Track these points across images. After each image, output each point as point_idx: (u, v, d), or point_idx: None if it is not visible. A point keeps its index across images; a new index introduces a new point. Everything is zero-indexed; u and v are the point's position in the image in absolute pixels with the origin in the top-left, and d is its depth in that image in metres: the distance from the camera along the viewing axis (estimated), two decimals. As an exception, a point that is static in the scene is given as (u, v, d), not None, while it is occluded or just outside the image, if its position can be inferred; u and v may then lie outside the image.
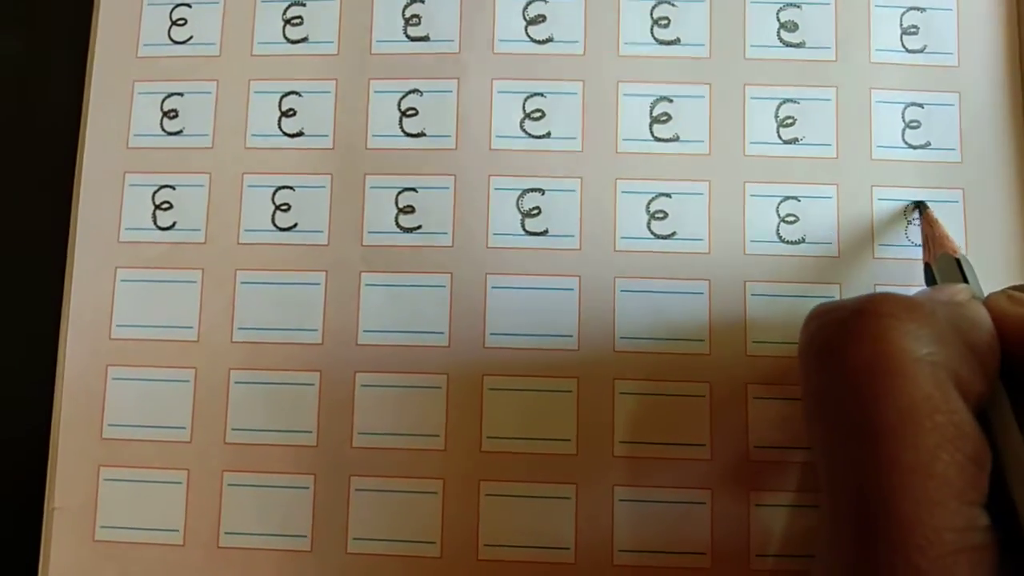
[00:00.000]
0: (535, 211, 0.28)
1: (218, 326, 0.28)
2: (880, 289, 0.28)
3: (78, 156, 0.29)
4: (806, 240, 0.28)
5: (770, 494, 0.27)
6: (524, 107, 0.29)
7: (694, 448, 0.27)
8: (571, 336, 0.28)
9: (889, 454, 0.16)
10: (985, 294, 0.21)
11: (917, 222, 0.28)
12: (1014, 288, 0.20)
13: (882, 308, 0.18)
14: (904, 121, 0.28)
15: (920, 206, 0.28)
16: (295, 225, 0.29)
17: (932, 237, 0.26)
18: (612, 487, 0.27)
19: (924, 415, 0.16)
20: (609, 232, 0.28)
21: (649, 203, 0.28)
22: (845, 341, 0.18)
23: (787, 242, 0.28)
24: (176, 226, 0.29)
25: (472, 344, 0.28)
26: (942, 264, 0.24)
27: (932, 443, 0.16)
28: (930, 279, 0.25)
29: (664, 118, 0.29)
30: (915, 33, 0.29)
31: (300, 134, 0.29)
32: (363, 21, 0.29)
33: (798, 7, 0.29)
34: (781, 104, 0.29)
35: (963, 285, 0.21)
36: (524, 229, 0.28)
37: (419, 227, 0.28)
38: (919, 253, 0.28)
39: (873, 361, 0.17)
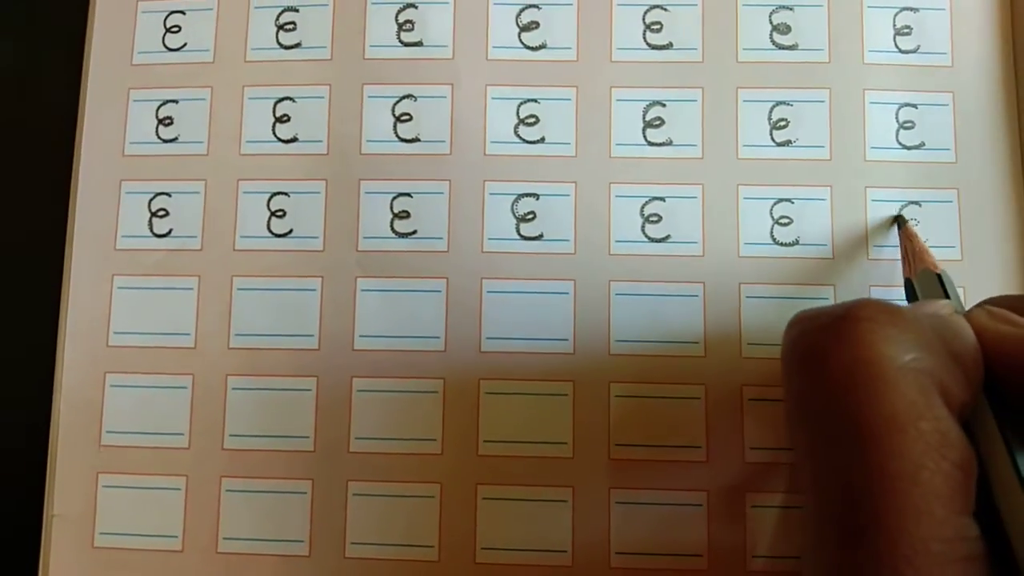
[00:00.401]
0: (530, 216, 0.28)
1: (215, 332, 0.28)
2: (874, 291, 0.28)
3: (74, 164, 0.29)
4: (800, 242, 0.28)
5: (766, 495, 0.27)
6: (518, 113, 0.29)
7: (690, 450, 0.27)
8: (567, 340, 0.28)
9: (873, 462, 0.16)
10: (966, 308, 0.21)
11: (913, 224, 0.28)
12: (991, 302, 0.20)
13: (863, 313, 0.18)
14: (898, 122, 0.28)
15: (899, 220, 0.28)
16: (290, 231, 0.29)
17: (912, 252, 0.26)
18: (608, 490, 0.27)
19: (908, 422, 0.16)
20: (603, 236, 0.28)
21: (643, 207, 0.28)
22: (826, 346, 0.18)
23: (781, 244, 0.28)
24: (172, 233, 0.29)
25: (468, 348, 0.28)
26: (923, 279, 0.24)
27: (917, 451, 0.16)
28: (911, 294, 0.25)
29: (657, 122, 0.29)
30: (908, 34, 0.29)
31: (294, 140, 0.29)
32: (356, 26, 0.30)
33: (790, 9, 0.29)
34: (774, 106, 0.29)
35: (945, 300, 0.21)
36: (519, 234, 0.28)
37: (414, 232, 0.28)
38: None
39: (855, 367, 0.17)
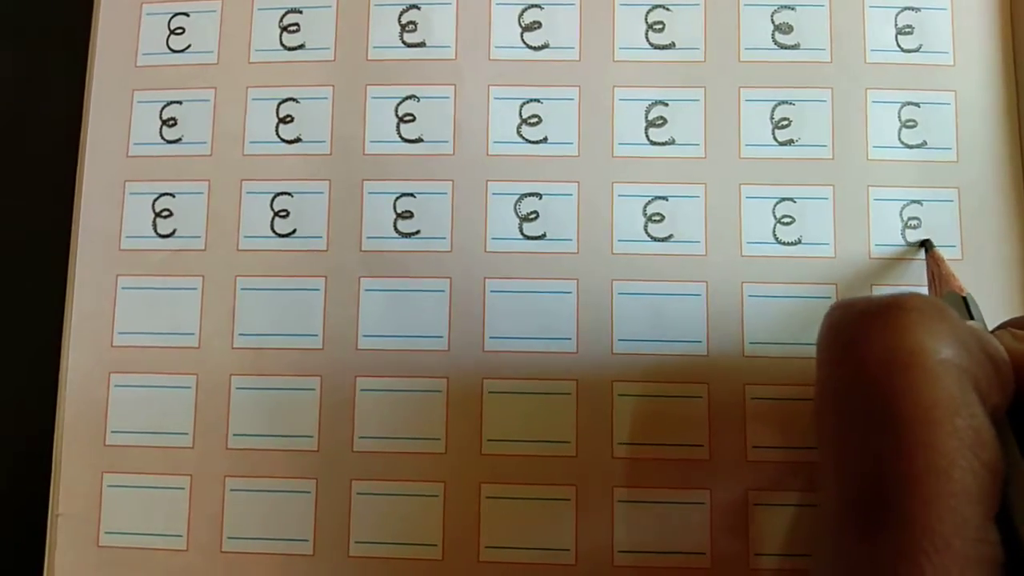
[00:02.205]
0: (532, 215, 0.28)
1: (219, 332, 0.28)
2: (876, 289, 0.28)
3: (79, 165, 0.30)
4: (802, 241, 0.28)
5: (769, 494, 0.27)
6: (521, 112, 0.29)
7: (693, 449, 0.27)
8: (570, 339, 0.28)
9: (905, 452, 0.16)
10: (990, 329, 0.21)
11: (915, 223, 0.28)
12: (1013, 324, 0.20)
13: (910, 303, 0.17)
14: (900, 121, 0.28)
15: (926, 245, 0.28)
16: (294, 231, 0.29)
17: (938, 275, 0.26)
18: (611, 488, 0.27)
19: (946, 416, 0.16)
20: (606, 235, 0.28)
21: (646, 206, 0.28)
22: (869, 331, 0.17)
23: (784, 243, 0.28)
24: (176, 233, 0.29)
25: (471, 348, 0.28)
26: (949, 302, 0.24)
27: (951, 446, 0.16)
28: None
29: (660, 122, 0.29)
30: (910, 33, 0.29)
31: (298, 140, 0.29)
32: (360, 28, 0.30)
33: (792, 9, 0.29)
34: (776, 106, 0.29)
35: (972, 322, 0.21)
36: (522, 233, 0.28)
37: (417, 232, 0.29)
38: (916, 253, 0.28)
39: (896, 355, 0.16)
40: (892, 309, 0.17)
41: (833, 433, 0.18)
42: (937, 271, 0.26)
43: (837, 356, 0.18)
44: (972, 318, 0.23)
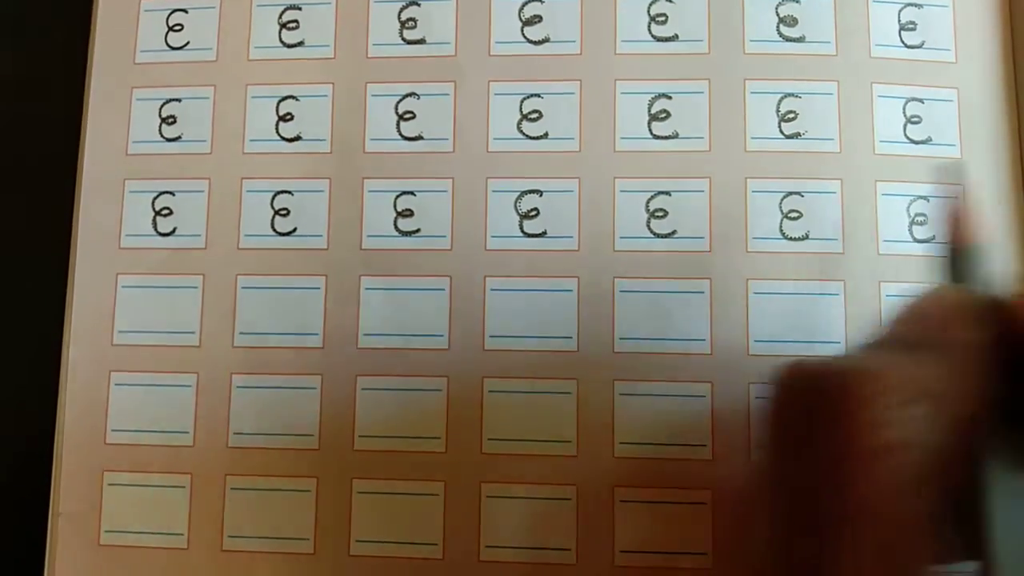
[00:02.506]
0: (533, 212, 0.28)
1: (219, 331, 0.28)
2: (885, 286, 0.27)
3: (78, 163, 0.30)
4: (810, 236, 0.28)
5: (772, 494, 0.26)
6: (521, 108, 0.29)
7: (696, 448, 0.27)
8: (571, 338, 0.27)
9: (842, 547, 0.16)
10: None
11: (922, 219, 0.27)
12: None
13: (860, 391, 0.16)
14: (905, 116, 0.28)
15: (947, 172, 0.23)
16: (294, 229, 0.29)
17: (953, 217, 0.21)
18: (613, 488, 0.27)
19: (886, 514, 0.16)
20: (608, 232, 0.28)
21: (648, 202, 0.28)
22: (818, 426, 0.17)
23: (791, 239, 0.28)
24: (176, 232, 0.29)
25: (472, 347, 0.28)
26: (952, 256, 0.21)
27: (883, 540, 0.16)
28: (946, 270, 0.22)
29: (663, 115, 0.28)
30: (913, 29, 0.28)
31: (298, 138, 0.29)
32: (359, 25, 0.29)
33: (797, 1, 0.29)
34: (782, 99, 0.28)
35: (960, 291, 0.19)
36: (522, 231, 0.28)
37: (418, 230, 0.28)
38: (924, 249, 0.27)
39: (842, 450, 0.16)
40: (839, 400, 0.16)
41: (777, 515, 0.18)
42: (954, 213, 0.21)
43: (784, 448, 0.18)
44: (969, 277, 0.20)
